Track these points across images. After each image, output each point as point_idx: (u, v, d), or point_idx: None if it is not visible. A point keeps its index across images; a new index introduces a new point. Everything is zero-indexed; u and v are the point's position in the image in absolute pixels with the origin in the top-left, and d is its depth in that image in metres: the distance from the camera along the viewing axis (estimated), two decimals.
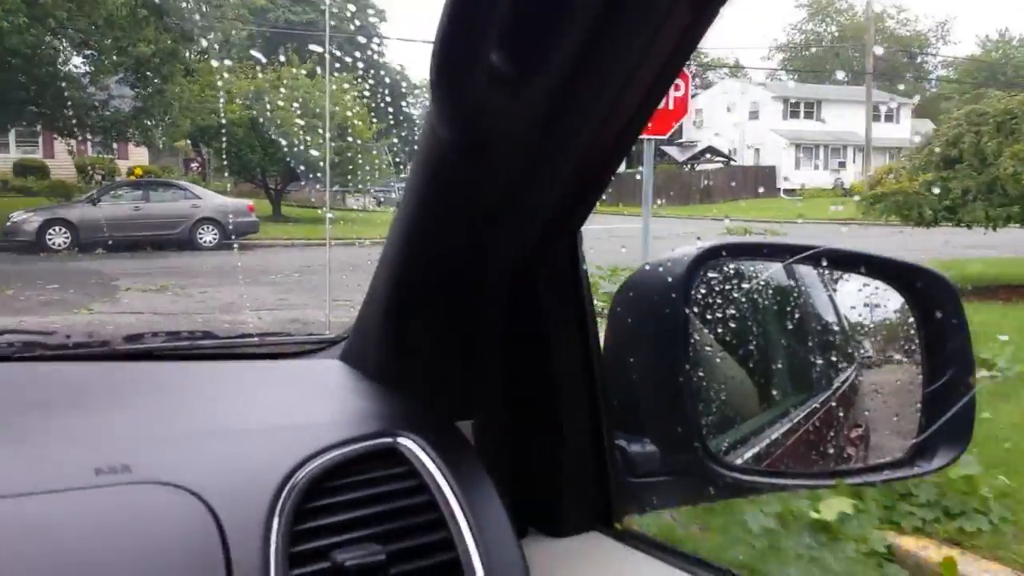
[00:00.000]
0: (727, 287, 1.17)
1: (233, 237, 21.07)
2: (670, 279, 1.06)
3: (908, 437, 1.21)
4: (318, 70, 20.52)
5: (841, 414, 1.32)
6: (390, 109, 22.73)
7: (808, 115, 50.58)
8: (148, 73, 21.89)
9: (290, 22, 38.31)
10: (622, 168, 0.98)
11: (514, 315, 1.05)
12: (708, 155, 47.61)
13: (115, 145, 27.10)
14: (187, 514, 0.78)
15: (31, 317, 9.67)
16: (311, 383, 1.19)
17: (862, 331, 1.40)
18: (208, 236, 20.93)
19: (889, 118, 50.43)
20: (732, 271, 1.20)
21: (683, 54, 0.77)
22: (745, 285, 1.23)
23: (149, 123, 23.60)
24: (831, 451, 1.36)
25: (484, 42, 0.70)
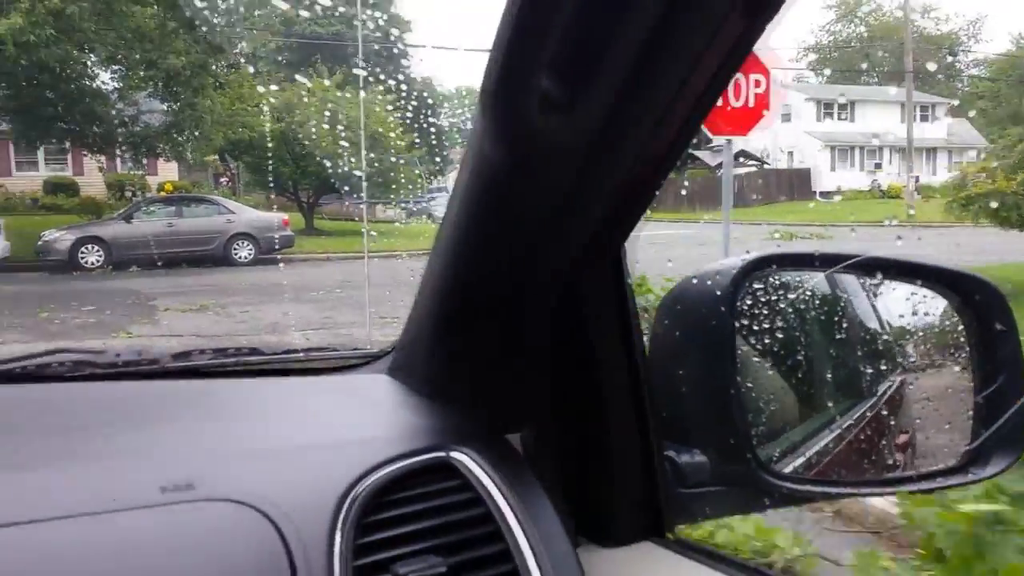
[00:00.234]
0: (773, 297, 1.17)
1: (274, 251, 20.84)
2: (718, 292, 1.06)
3: (960, 444, 1.20)
4: (348, 82, 20.54)
5: (891, 421, 1.31)
6: (419, 120, 22.72)
7: (842, 116, 49.87)
8: (178, 87, 21.65)
9: (317, 34, 38.60)
10: None
11: (561, 327, 1.06)
12: (741, 159, 47.12)
13: (145, 161, 26.77)
14: (253, 530, 0.79)
15: (68, 343, 9.57)
16: (359, 398, 1.21)
17: (908, 338, 1.39)
18: (243, 251, 20.79)
19: (925, 118, 49.53)
20: (777, 281, 1.20)
21: (735, 62, 0.75)
22: (791, 296, 1.22)
23: (180, 138, 23.28)
24: (880, 459, 1.35)
25: (535, 67, 0.70)
